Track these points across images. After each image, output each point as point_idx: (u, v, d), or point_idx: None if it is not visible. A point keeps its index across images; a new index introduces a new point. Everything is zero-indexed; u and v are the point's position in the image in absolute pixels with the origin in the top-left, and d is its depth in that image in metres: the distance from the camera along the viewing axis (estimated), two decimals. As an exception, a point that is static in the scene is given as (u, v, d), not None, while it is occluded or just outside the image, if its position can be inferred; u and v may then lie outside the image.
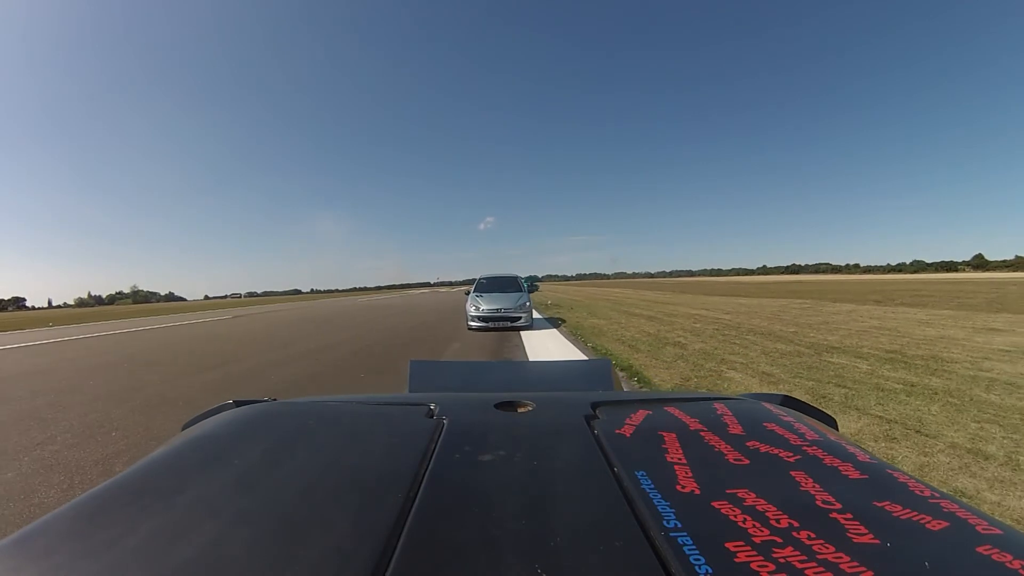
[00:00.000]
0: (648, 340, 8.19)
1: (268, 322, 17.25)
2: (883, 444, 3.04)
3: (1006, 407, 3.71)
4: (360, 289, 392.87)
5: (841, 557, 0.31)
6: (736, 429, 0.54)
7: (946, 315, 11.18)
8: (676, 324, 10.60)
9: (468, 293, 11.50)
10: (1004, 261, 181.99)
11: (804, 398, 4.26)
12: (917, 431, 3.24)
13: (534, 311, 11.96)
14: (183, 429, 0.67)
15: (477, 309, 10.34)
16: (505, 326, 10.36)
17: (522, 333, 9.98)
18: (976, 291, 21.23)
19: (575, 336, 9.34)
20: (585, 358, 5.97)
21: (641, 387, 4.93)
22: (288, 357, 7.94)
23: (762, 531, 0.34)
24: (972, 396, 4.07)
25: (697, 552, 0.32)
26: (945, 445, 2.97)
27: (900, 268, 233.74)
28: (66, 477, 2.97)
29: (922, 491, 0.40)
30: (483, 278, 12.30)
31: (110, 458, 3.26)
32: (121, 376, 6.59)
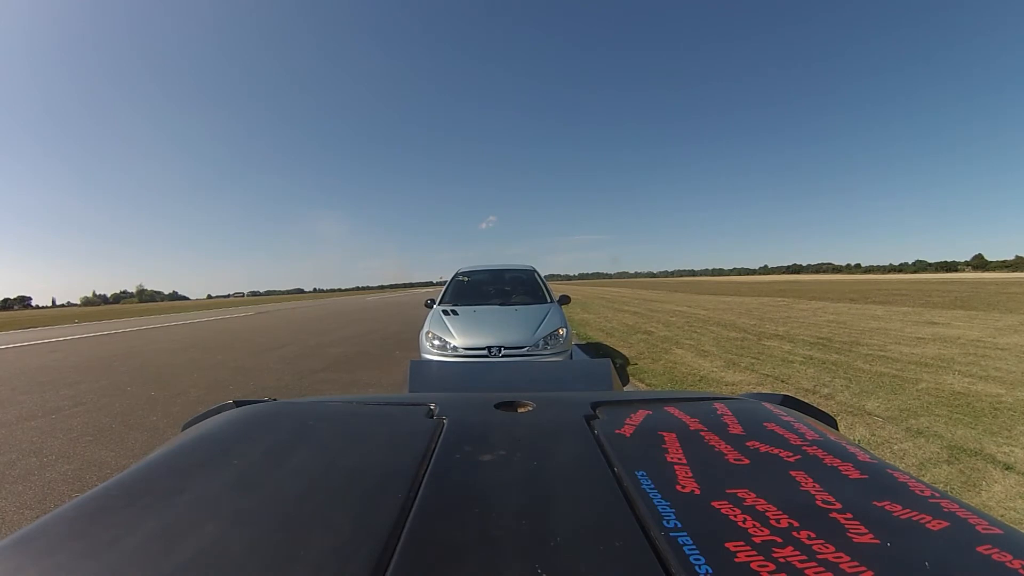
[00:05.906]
0: (624, 329, 9.63)
1: (297, 316, 19.05)
2: (751, 387, 4.45)
3: (865, 370, 5.10)
4: (363, 288, 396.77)
5: (841, 557, 0.31)
6: (736, 429, 0.54)
7: (903, 311, 12.32)
8: (654, 318, 12.01)
9: (430, 304, 5.61)
10: (1004, 261, 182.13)
11: (724, 362, 5.66)
12: (782, 381, 4.66)
13: None
14: (183, 429, 0.68)
15: (444, 347, 4.54)
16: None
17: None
18: (953, 290, 22.03)
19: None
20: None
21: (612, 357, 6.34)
22: (333, 340, 9.61)
23: (762, 531, 0.34)
24: (851, 365, 5.45)
25: (697, 552, 0.32)
26: (794, 388, 4.38)
27: (902, 268, 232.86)
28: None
29: (922, 491, 0.40)
30: (463, 273, 6.36)
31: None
32: (223, 348, 8.30)
